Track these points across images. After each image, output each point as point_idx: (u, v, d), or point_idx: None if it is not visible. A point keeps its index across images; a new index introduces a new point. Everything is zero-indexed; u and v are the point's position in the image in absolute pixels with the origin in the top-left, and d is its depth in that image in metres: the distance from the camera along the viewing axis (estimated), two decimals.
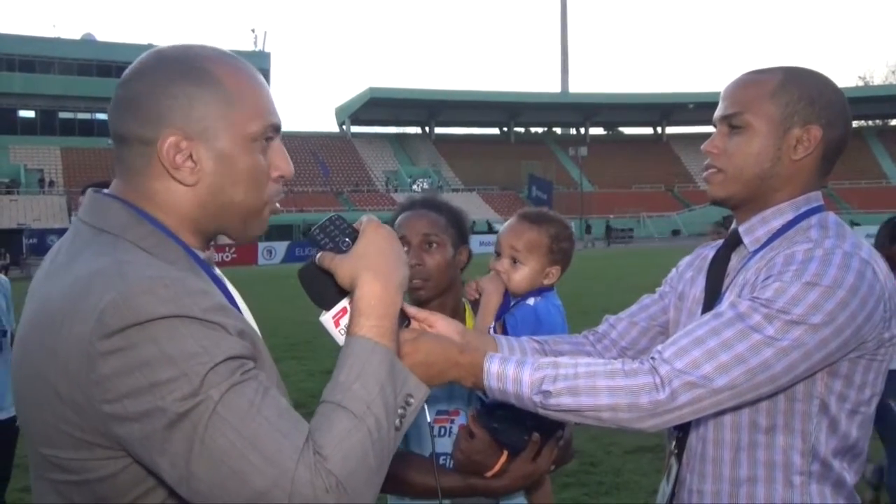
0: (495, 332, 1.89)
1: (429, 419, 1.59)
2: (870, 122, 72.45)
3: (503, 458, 1.75)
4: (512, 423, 1.69)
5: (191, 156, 1.14)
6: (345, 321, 1.24)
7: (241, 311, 1.21)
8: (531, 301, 1.94)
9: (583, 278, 18.31)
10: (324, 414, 1.06)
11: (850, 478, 1.51)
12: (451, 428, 1.97)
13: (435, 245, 1.99)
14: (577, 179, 57.57)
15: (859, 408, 1.48)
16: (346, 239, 1.24)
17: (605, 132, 74.64)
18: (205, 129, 1.14)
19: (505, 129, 70.26)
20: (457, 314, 2.06)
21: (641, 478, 5.20)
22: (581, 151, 55.35)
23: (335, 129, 67.66)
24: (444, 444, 1.95)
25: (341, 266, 1.21)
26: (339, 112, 66.80)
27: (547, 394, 1.38)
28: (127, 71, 1.18)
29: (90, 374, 0.99)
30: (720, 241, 1.69)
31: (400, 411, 1.11)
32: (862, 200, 54.32)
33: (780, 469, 1.47)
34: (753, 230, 1.57)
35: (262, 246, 34.38)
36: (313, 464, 0.98)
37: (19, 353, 1.11)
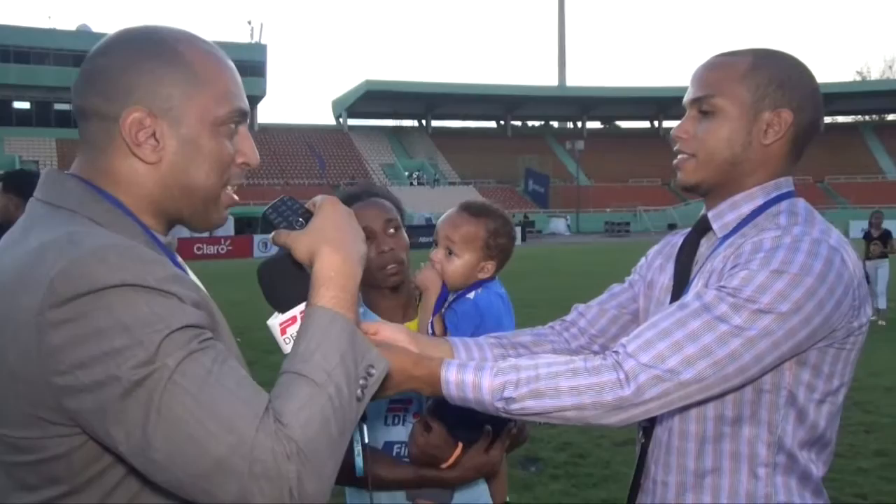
0: (433, 326, 1.87)
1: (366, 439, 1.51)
2: (866, 117, 72.50)
3: (458, 451, 1.75)
4: (467, 415, 1.68)
5: (154, 134, 1.13)
6: (292, 330, 1.23)
7: None
8: (471, 295, 1.92)
9: (576, 272, 18.29)
10: (284, 383, 1.05)
11: (816, 470, 1.48)
12: (404, 417, 1.97)
13: (396, 228, 1.99)
14: (574, 173, 57.59)
15: (827, 398, 1.46)
16: (300, 218, 1.23)
17: (602, 126, 74.62)
18: (170, 109, 1.13)
19: (502, 122, 70.19)
20: (411, 299, 2.05)
21: (630, 470, 5.18)
22: (578, 145, 55.34)
23: (332, 121, 67.60)
24: (399, 433, 1.94)
25: (298, 240, 1.20)
26: (336, 105, 66.69)
27: (510, 400, 1.35)
28: (94, 47, 1.17)
29: (41, 345, 0.96)
30: (689, 229, 1.66)
31: (361, 382, 1.10)
32: (858, 195, 54.39)
33: (745, 460, 1.44)
34: (722, 215, 1.54)
35: (257, 238, 34.31)
36: (273, 431, 0.97)
37: None
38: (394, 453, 1.93)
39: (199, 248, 31.40)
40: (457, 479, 1.80)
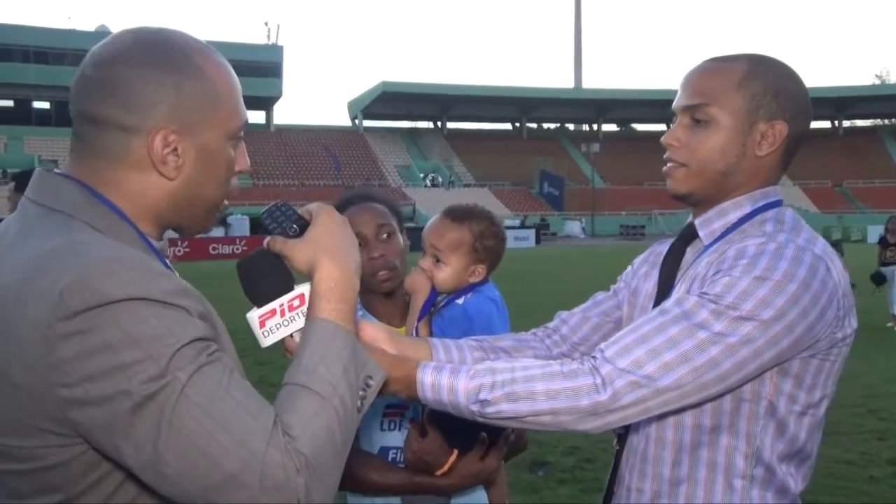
0: (417, 331, 1.86)
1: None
2: (885, 121, 71.81)
3: (453, 458, 1.73)
4: (464, 422, 1.67)
5: (175, 149, 1.13)
6: (270, 323, 1.23)
7: None
8: (461, 300, 1.89)
9: (590, 276, 18.22)
10: (289, 395, 1.06)
11: (795, 485, 1.45)
12: (400, 422, 1.95)
13: (389, 234, 1.97)
14: (590, 176, 57.43)
15: (808, 410, 1.43)
16: (294, 225, 1.25)
17: (617, 128, 74.32)
18: (193, 124, 1.13)
19: (517, 124, 70.05)
20: (405, 304, 2.02)
21: None
22: (593, 148, 55.20)
23: (347, 123, 67.74)
24: (395, 438, 1.92)
25: (296, 250, 1.21)
26: (352, 106, 66.86)
27: (485, 403, 1.33)
28: (103, 50, 1.14)
29: (48, 357, 0.96)
30: (674, 237, 1.63)
31: (361, 393, 1.12)
32: (877, 200, 53.89)
33: (721, 471, 1.42)
34: (710, 223, 1.52)
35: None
36: (283, 445, 0.98)
37: None
38: (389, 459, 1.91)
39: (214, 248, 31.58)
40: (451, 486, 1.77)
